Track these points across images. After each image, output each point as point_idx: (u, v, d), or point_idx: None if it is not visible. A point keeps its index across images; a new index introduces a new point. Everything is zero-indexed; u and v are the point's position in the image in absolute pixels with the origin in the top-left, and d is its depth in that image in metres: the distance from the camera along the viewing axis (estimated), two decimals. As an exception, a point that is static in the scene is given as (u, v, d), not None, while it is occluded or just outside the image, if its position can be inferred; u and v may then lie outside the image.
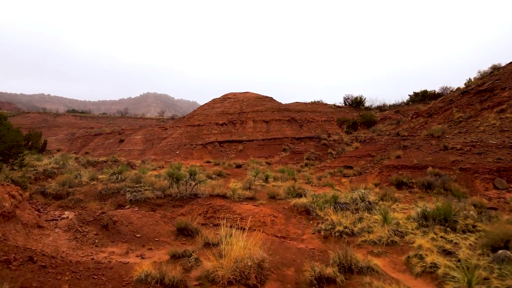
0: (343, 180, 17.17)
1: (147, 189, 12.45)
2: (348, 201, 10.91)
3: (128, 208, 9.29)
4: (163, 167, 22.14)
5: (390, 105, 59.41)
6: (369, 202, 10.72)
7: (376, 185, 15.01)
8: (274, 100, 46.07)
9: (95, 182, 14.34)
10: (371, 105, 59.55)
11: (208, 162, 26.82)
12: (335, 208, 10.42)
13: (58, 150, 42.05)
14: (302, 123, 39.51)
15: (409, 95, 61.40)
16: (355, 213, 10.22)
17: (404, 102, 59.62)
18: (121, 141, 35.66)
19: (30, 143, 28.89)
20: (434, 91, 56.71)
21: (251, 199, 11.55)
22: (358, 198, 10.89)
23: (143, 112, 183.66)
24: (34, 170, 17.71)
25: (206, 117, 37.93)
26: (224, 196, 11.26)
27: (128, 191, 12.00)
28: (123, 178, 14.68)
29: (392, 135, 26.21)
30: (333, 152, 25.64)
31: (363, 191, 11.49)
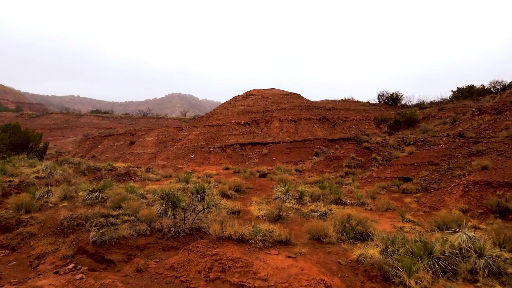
0: (407, 200, 12.45)
1: (127, 220, 8.36)
2: (448, 252, 6.38)
3: (65, 273, 5.15)
4: (170, 176, 18.16)
5: (429, 102, 53.86)
6: (491, 258, 6.13)
7: (463, 211, 10.27)
8: (302, 97, 41.49)
9: (65, 204, 10.44)
10: (408, 103, 54.32)
11: (226, 168, 22.65)
12: (432, 268, 5.93)
13: (69, 153, 39.31)
14: (335, 122, 34.68)
15: (452, 91, 55.70)
16: (474, 282, 5.69)
17: (446, 99, 53.89)
18: (132, 143, 32.04)
19: (30, 146, 25.87)
20: (483, 86, 50.70)
21: (284, 243, 7.18)
22: (471, 250, 6.32)
23: (166, 112, 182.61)
24: (9, 181, 14.13)
25: (227, 116, 33.85)
26: (240, 240, 6.94)
27: (96, 225, 7.92)
28: (104, 197, 10.72)
29: (452, 137, 21.09)
30: (378, 157, 20.83)
31: (471, 233, 6.88)
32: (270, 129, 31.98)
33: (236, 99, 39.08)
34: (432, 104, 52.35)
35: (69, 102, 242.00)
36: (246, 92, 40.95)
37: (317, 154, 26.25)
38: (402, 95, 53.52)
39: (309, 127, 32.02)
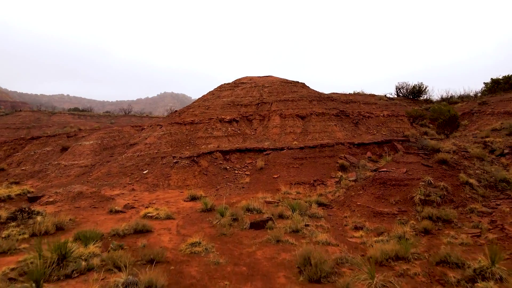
0: None
1: None
2: None
3: None
4: (34, 237, 8.15)
5: (459, 96, 44.89)
6: None
7: None
8: (308, 86, 31.72)
9: None
10: (430, 97, 45.32)
11: (192, 198, 12.73)
12: None
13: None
14: (357, 119, 24.97)
15: (484, 83, 47.03)
16: None
17: (478, 92, 44.98)
18: (65, 149, 22.01)
19: None
20: (528, 75, 41.79)
21: None
22: None
23: (160, 111, 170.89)
24: None
25: (206, 111, 23.92)
26: None
27: None
28: None
29: None
30: (471, 181, 11.15)
31: None
32: (268, 128, 22.17)
33: (221, 88, 29.14)
34: (463, 98, 43.39)
35: (58, 101, 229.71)
36: (235, 80, 30.99)
37: (343, 168, 16.52)
38: (426, 87, 44.35)
39: (324, 125, 22.24)
